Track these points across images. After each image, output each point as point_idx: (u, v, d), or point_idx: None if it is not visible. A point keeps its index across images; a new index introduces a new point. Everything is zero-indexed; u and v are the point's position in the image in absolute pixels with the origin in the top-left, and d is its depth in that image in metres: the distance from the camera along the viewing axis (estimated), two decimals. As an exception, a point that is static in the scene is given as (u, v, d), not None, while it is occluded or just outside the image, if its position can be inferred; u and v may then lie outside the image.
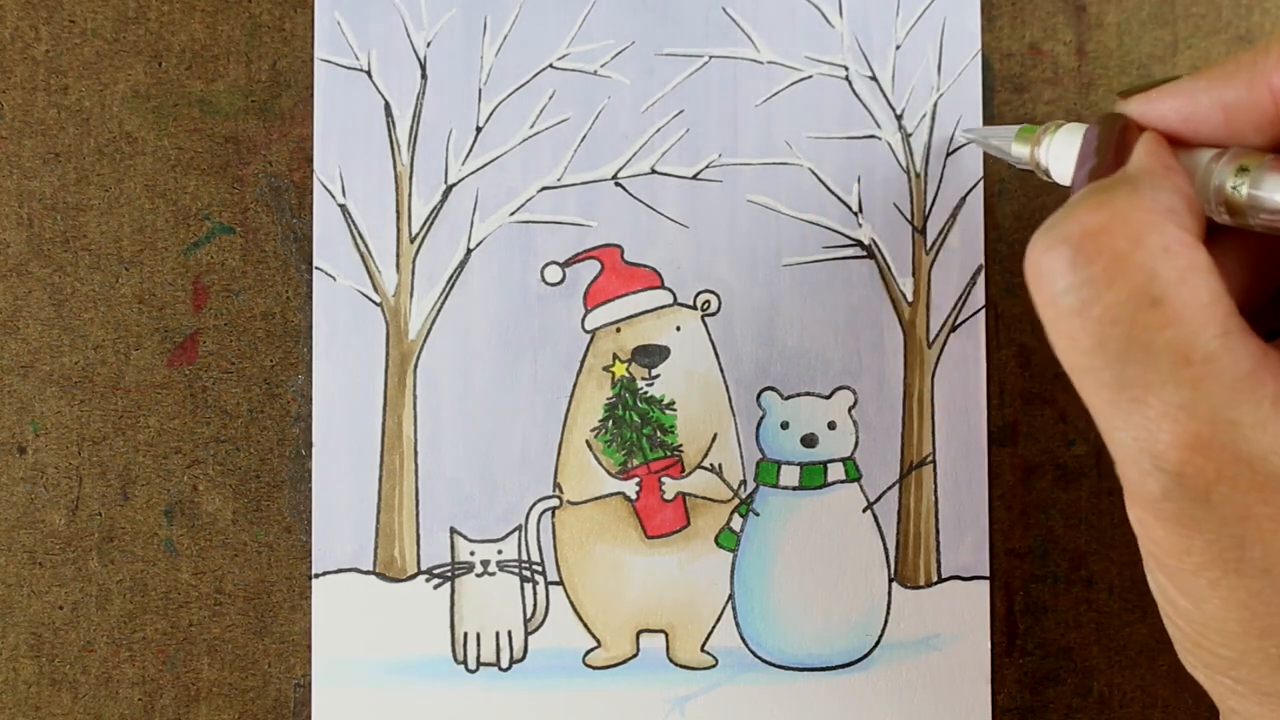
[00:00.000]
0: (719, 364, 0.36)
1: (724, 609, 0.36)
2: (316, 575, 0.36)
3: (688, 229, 0.36)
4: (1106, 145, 0.25)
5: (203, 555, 0.36)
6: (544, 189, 0.36)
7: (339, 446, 0.36)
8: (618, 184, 0.36)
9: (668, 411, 0.36)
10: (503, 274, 0.36)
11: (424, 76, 0.36)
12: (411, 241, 0.36)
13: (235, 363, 0.36)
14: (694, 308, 0.36)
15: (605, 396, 0.36)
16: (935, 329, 0.36)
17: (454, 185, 0.36)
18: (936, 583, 0.36)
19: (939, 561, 0.36)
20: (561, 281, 0.36)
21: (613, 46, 0.36)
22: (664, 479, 0.36)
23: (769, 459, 0.36)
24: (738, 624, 0.36)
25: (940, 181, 0.36)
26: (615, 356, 0.36)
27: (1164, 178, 0.24)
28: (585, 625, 0.36)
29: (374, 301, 0.36)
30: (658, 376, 0.36)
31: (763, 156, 0.36)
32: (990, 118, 0.36)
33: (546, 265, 0.36)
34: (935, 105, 0.36)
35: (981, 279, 0.36)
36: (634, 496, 0.36)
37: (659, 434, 0.36)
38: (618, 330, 0.36)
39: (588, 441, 0.36)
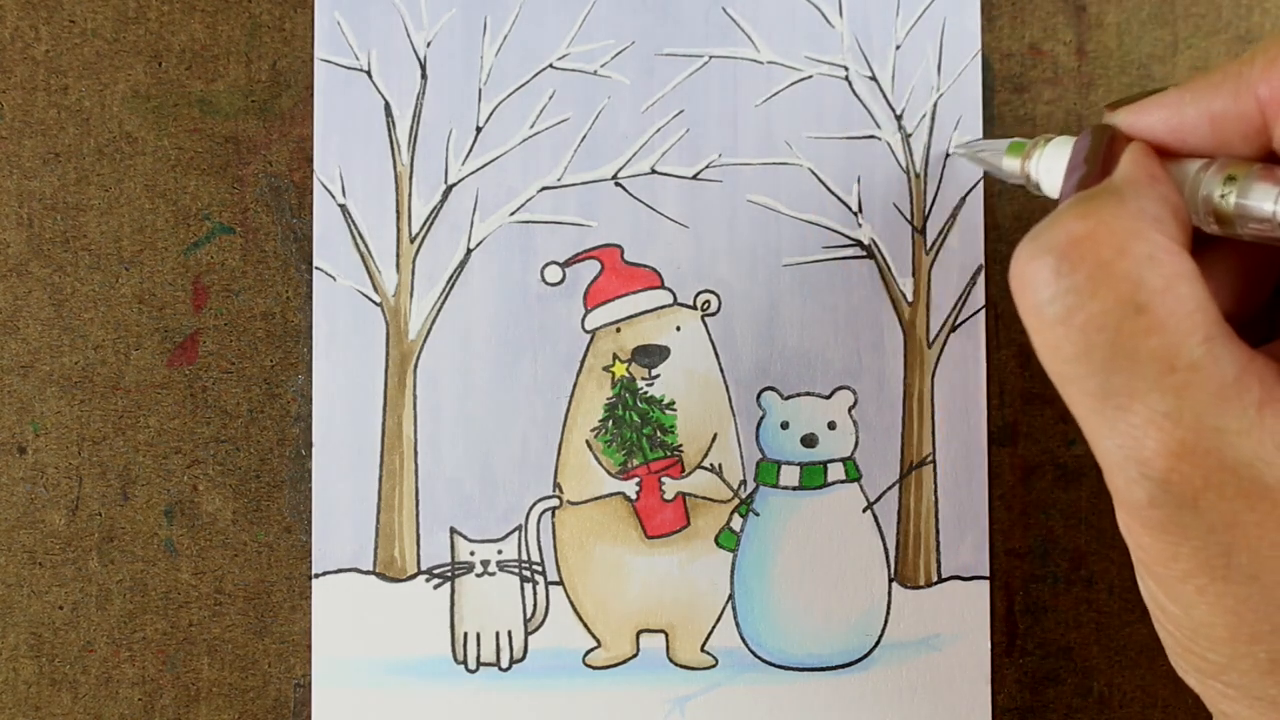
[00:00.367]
0: (719, 364, 0.36)
1: (724, 609, 0.36)
2: (316, 575, 0.36)
3: (688, 229, 0.36)
4: (1094, 156, 0.25)
5: (203, 555, 0.36)
6: (544, 189, 0.36)
7: (339, 446, 0.36)
8: (618, 184, 0.36)
9: (668, 411, 0.36)
10: (503, 274, 0.36)
11: (424, 76, 0.36)
12: (411, 241, 0.36)
13: (235, 363, 0.36)
14: (694, 308, 0.36)
15: (605, 396, 0.36)
16: (935, 329, 0.36)
17: (454, 185, 0.36)
18: (936, 583, 0.36)
19: (939, 561, 0.36)
20: (561, 281, 0.36)
21: (613, 46, 0.36)
22: (664, 479, 0.36)
23: (769, 459, 0.36)
24: (738, 624, 0.36)
25: (940, 181, 0.36)
26: (615, 356, 0.36)
27: (1149, 187, 0.24)
28: (585, 625, 0.36)
29: (374, 301, 0.36)
30: (658, 376, 0.36)
31: (763, 156, 0.36)
32: (990, 118, 0.36)
33: (546, 265, 0.36)
34: (935, 105, 0.36)
35: (981, 279, 0.36)
36: (634, 496, 0.36)
37: (659, 434, 0.36)
38: (618, 330, 0.36)
39: (588, 441, 0.36)
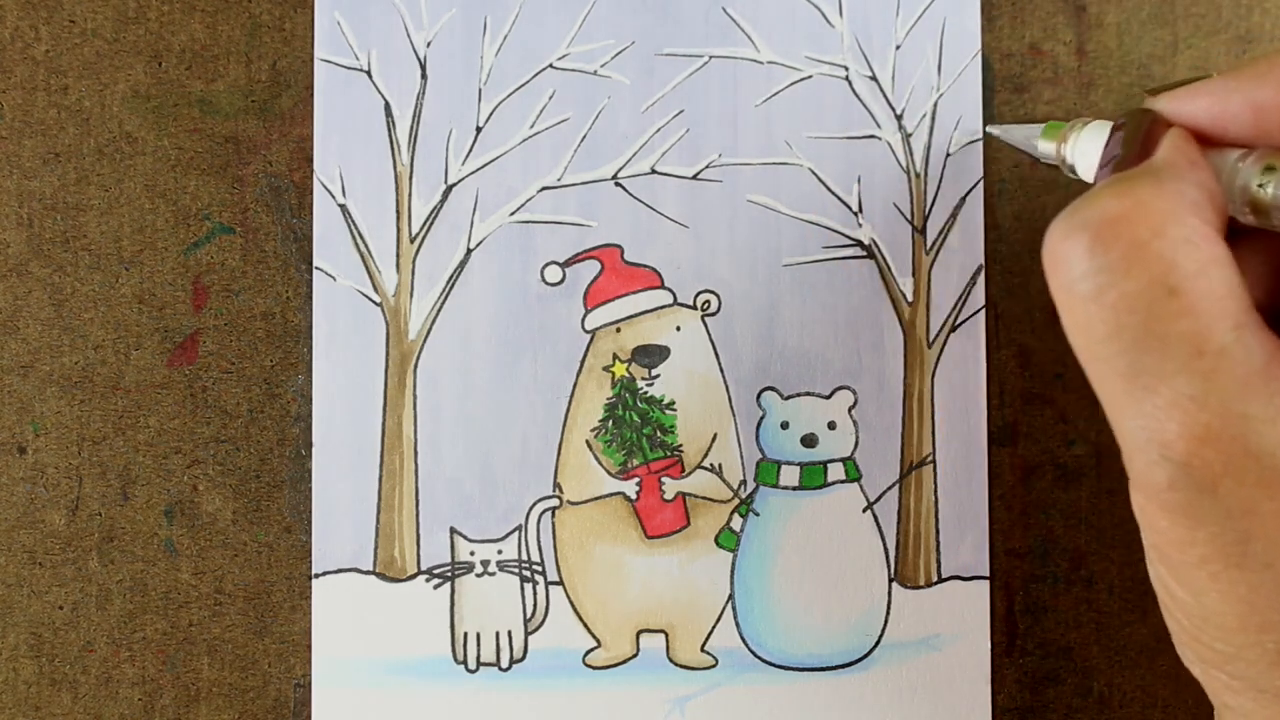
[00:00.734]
0: (719, 364, 0.36)
1: (724, 609, 0.36)
2: (316, 575, 0.36)
3: (688, 229, 0.36)
4: (1133, 140, 0.25)
5: (203, 555, 0.36)
6: (544, 189, 0.36)
7: (339, 446, 0.36)
8: (618, 184, 0.36)
9: (668, 411, 0.36)
10: (503, 274, 0.36)
11: (424, 76, 0.36)
12: (411, 241, 0.36)
13: (235, 363, 0.36)
14: (694, 308, 0.36)
15: (605, 396, 0.36)
16: (935, 329, 0.36)
17: (454, 185, 0.36)
18: (936, 583, 0.36)
19: (939, 561, 0.36)
20: (561, 281, 0.36)
21: (613, 46, 0.36)
22: (664, 479, 0.36)
23: (769, 459, 0.36)
24: (738, 624, 0.36)
25: (940, 181, 0.36)
26: (615, 356, 0.36)
27: (1188, 171, 0.24)
28: (585, 625, 0.36)
29: (374, 301, 0.36)
30: (658, 376, 0.36)
31: (763, 156, 0.36)
32: (990, 118, 0.36)
33: (546, 265, 0.36)
34: (935, 105, 0.36)
35: (981, 279, 0.36)
36: (634, 496, 0.36)
37: (659, 434, 0.36)
38: (618, 330, 0.36)
39: (588, 441, 0.36)
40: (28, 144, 0.36)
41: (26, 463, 0.36)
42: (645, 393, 0.36)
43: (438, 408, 0.36)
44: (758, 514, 0.36)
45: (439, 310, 0.36)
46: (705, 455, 0.36)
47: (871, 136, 0.36)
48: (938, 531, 0.36)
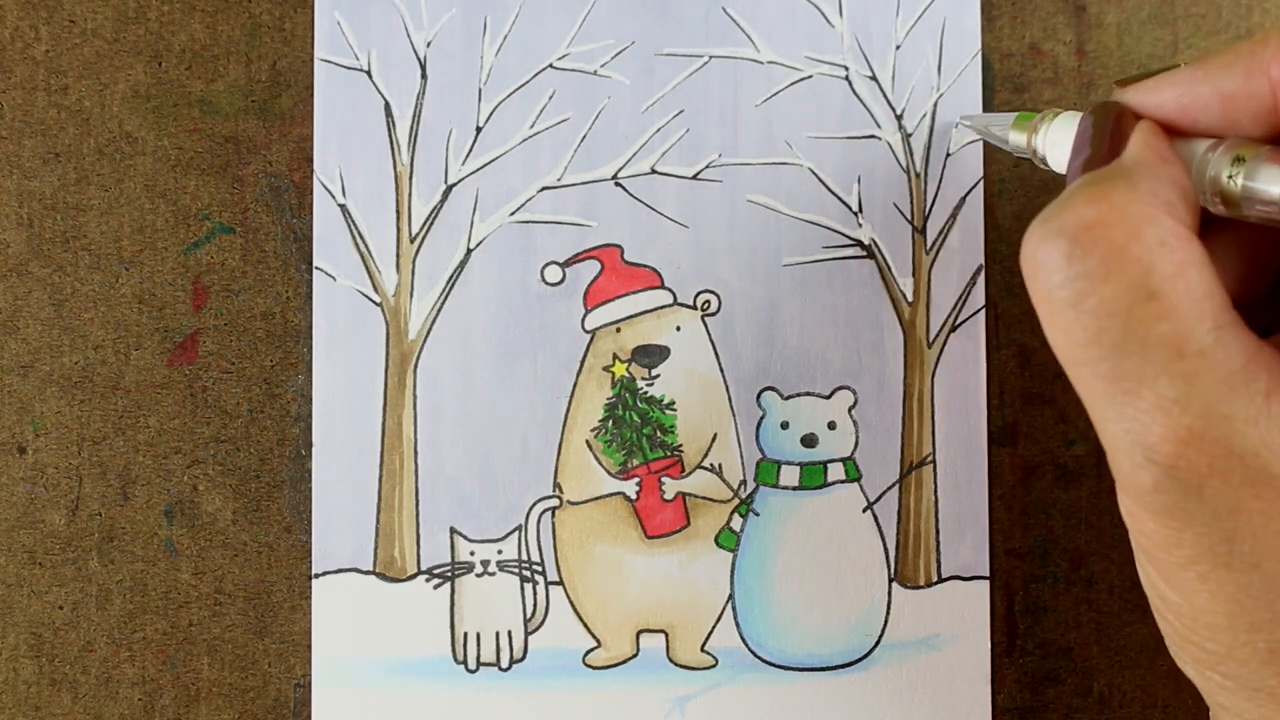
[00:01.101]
0: (719, 364, 0.36)
1: (724, 609, 0.36)
2: (316, 575, 0.36)
3: (688, 229, 0.36)
4: (1102, 134, 0.25)
5: (203, 555, 0.36)
6: (544, 189, 0.36)
7: (339, 446, 0.36)
8: (618, 184, 0.36)
9: (668, 411, 0.36)
10: (503, 274, 0.36)
11: (424, 76, 0.36)
12: (411, 241, 0.36)
13: (235, 363, 0.36)
14: (694, 308, 0.36)
15: (605, 396, 0.36)
16: (935, 329, 0.36)
17: (454, 185, 0.36)
18: (936, 583, 0.36)
19: (939, 561, 0.36)
20: (561, 281, 0.36)
21: (613, 46, 0.36)
22: (664, 479, 0.36)
23: (769, 459, 0.36)
24: (738, 624, 0.36)
25: (940, 181, 0.36)
26: (615, 356, 0.36)
27: (1160, 169, 0.24)
28: (585, 625, 0.36)
29: (374, 301, 0.36)
30: (658, 376, 0.36)
31: (763, 156, 0.36)
32: (990, 118, 0.36)
33: (546, 265, 0.36)
34: (935, 105, 0.36)
35: (981, 279, 0.36)
36: (634, 496, 0.36)
37: (659, 434, 0.36)
38: (618, 330, 0.36)
39: (588, 441, 0.36)
40: (28, 144, 0.36)
41: (26, 463, 0.36)
42: (645, 393, 0.36)
43: (438, 408, 0.36)
44: (758, 514, 0.36)
45: (439, 310, 0.36)
46: (705, 455, 0.36)
47: (871, 136, 0.36)
48: (938, 531, 0.36)
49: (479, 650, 0.36)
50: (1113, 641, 0.36)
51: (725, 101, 0.36)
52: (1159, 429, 0.22)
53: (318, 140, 0.36)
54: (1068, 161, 0.27)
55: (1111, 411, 0.23)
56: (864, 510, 0.36)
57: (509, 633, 0.36)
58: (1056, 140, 0.29)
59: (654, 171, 0.36)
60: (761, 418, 0.36)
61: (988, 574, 0.36)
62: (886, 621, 0.36)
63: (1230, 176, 0.24)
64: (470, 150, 0.36)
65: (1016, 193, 0.36)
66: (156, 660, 0.36)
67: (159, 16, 0.36)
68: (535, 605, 0.36)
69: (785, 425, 0.36)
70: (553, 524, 0.36)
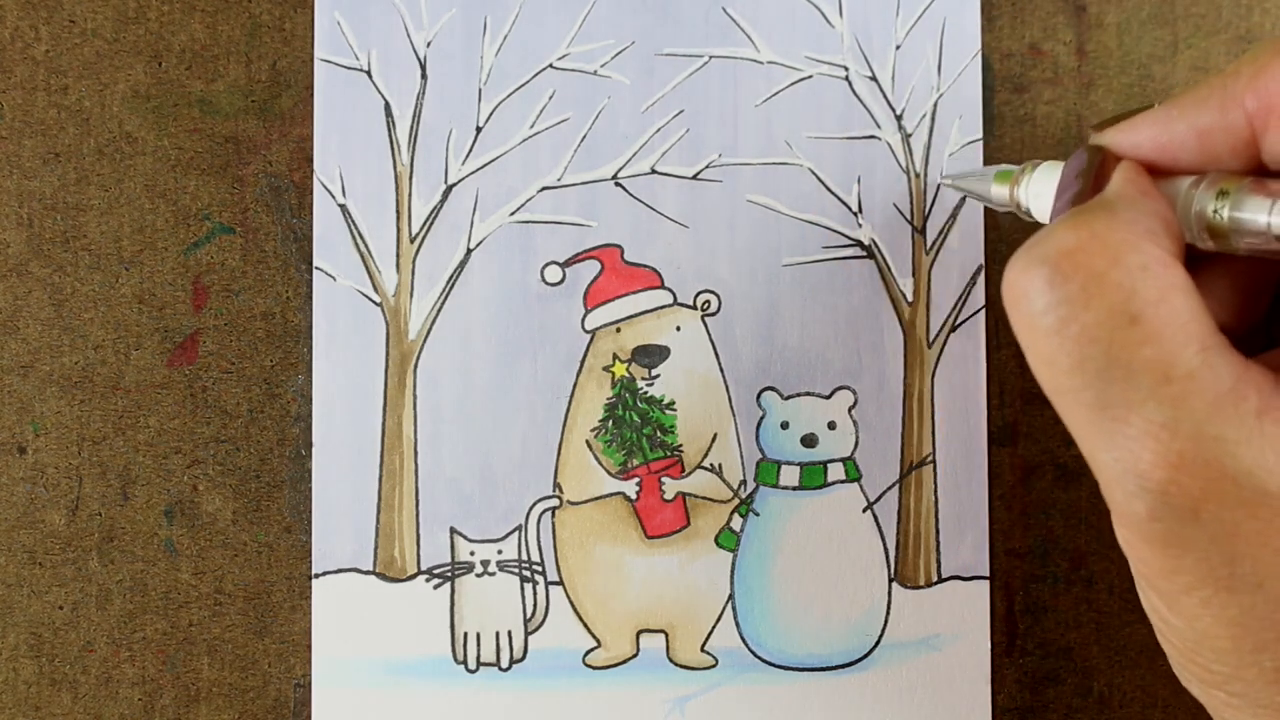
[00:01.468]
0: (719, 364, 0.36)
1: (724, 609, 0.36)
2: (316, 575, 0.36)
3: (688, 229, 0.36)
4: (1085, 175, 0.25)
5: (203, 555, 0.36)
6: (544, 189, 0.36)
7: (339, 446, 0.36)
8: (618, 184, 0.36)
9: (668, 411, 0.36)
10: (503, 274, 0.36)
11: (424, 76, 0.36)
12: (411, 241, 0.36)
13: (235, 363, 0.36)
14: (694, 308, 0.36)
15: (605, 396, 0.36)
16: (935, 329, 0.36)
17: (454, 185, 0.36)
18: (936, 583, 0.36)
19: (939, 561, 0.36)
20: (561, 281, 0.36)
21: (613, 46, 0.36)
22: (664, 479, 0.36)
23: (769, 459, 0.36)
24: (738, 624, 0.36)
25: (940, 181, 0.36)
26: (615, 356, 0.36)
27: (1141, 201, 0.24)
28: (585, 625, 0.36)
29: (374, 301, 0.36)
30: (658, 376, 0.36)
31: (763, 156, 0.36)
32: (990, 118, 0.36)
33: (546, 265, 0.36)
34: (935, 105, 0.36)
35: (981, 279, 0.36)
36: (634, 496, 0.36)
37: (659, 434, 0.36)
38: (618, 330, 0.36)
39: (588, 441, 0.36)
40: (28, 144, 0.36)
41: (26, 463, 0.36)
42: (645, 393, 0.36)
43: (438, 408, 0.36)
44: (758, 514, 0.36)
45: (439, 310, 0.36)
46: (705, 455, 0.36)
47: (871, 136, 0.36)
48: (938, 531, 0.36)
49: (479, 650, 0.36)
50: (1113, 641, 0.36)
51: (725, 101, 0.36)
52: (1149, 455, 0.22)
53: (318, 140, 0.36)
54: (1051, 209, 0.27)
55: (1100, 440, 0.23)
56: (864, 510, 0.36)
57: (509, 633, 0.36)
58: (1039, 191, 0.28)
59: (654, 171, 0.36)
60: (761, 418, 0.36)
61: (988, 574, 0.36)
62: (886, 621, 0.36)
63: (1216, 210, 0.24)
64: (470, 150, 0.36)
65: (1016, 193, 0.36)
66: (156, 660, 0.36)
67: (159, 16, 0.36)
68: (535, 605, 0.36)
69: (785, 425, 0.36)
70: (553, 524, 0.36)
